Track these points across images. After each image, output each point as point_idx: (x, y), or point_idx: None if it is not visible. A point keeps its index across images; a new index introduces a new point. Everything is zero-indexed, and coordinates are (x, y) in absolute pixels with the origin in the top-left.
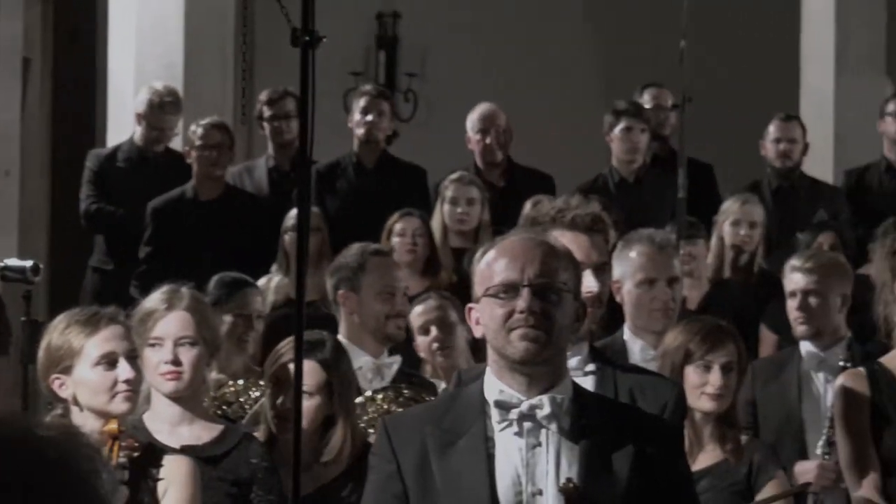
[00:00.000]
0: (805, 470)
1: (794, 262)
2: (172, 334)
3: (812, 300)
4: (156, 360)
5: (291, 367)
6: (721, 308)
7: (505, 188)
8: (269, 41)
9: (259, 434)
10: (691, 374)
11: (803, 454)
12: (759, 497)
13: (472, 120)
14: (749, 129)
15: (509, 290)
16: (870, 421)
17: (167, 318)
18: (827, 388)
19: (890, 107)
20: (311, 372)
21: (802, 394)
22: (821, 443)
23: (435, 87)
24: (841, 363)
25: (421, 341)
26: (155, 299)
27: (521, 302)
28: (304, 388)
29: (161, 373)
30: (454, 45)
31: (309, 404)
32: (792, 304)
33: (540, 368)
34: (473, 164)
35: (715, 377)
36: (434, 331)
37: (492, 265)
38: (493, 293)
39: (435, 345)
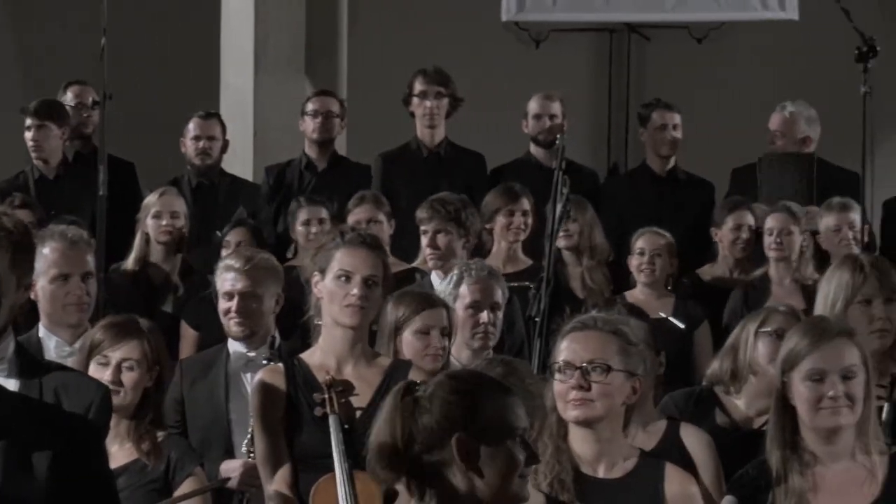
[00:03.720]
0: (230, 468)
1: (229, 261)
2: None
3: (246, 301)
4: None
5: None
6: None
7: None
8: None
9: None
10: (94, 371)
11: (231, 453)
12: (178, 493)
13: None
14: (170, 126)
15: None
16: (286, 416)
17: None
18: None
19: (309, 106)
20: None
21: (230, 393)
22: (245, 441)
23: None
24: (264, 361)
25: None
26: None
27: None
28: None
29: None
30: None
31: None
32: (226, 305)
33: None
34: None
35: (116, 375)
36: None
37: None
38: None
39: None
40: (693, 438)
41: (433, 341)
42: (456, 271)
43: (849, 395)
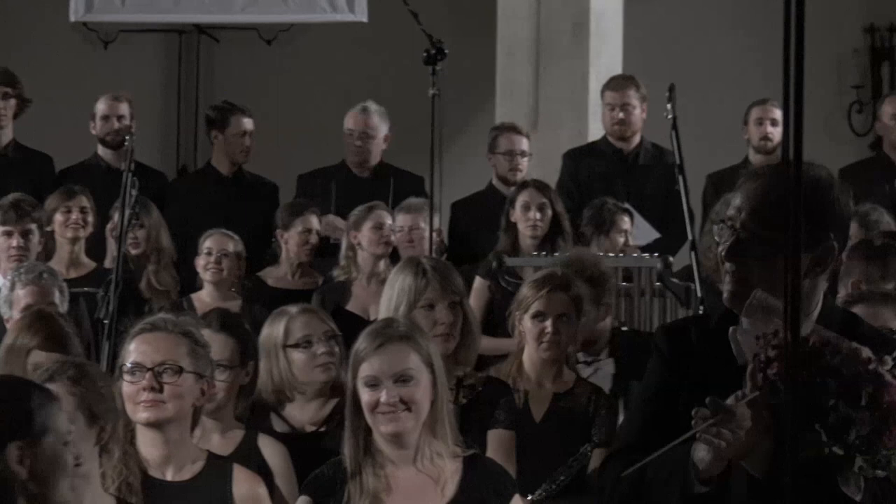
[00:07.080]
0: None
1: None
2: None
3: None
4: None
5: None
6: None
7: None
8: None
9: None
10: None
11: None
12: None
13: None
14: None
15: None
16: None
17: None
18: None
19: None
20: None
21: None
22: None
23: None
24: None
25: None
26: None
27: None
28: None
29: None
30: None
31: None
32: None
33: None
34: None
35: None
36: None
37: None
38: None
39: None
40: (270, 449)
41: None
42: (9, 276)
43: (405, 399)
